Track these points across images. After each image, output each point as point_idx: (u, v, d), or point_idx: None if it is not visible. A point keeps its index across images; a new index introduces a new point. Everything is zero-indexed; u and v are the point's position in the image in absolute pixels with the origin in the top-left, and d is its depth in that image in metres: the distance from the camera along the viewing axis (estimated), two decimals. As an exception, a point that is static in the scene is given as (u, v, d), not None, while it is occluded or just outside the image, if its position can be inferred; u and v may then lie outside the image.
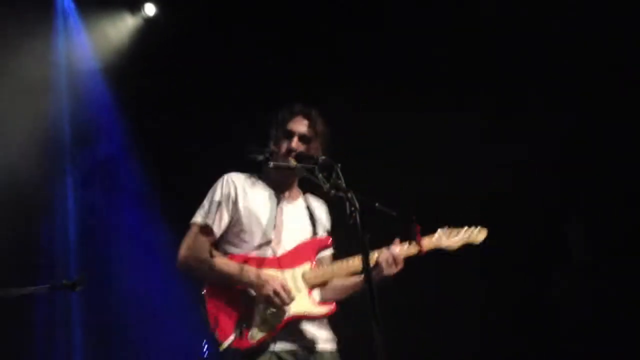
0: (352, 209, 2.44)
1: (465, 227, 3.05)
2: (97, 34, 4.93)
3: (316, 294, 2.95)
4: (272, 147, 2.97)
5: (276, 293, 2.76)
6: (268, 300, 2.77)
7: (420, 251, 2.91)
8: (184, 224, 2.93)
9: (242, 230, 2.91)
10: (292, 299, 2.78)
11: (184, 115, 4.92)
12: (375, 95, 4.72)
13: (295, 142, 2.96)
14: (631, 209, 4.43)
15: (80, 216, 4.73)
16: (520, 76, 4.57)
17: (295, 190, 3.08)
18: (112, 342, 4.57)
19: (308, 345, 2.85)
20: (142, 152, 4.96)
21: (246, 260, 2.86)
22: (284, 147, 2.95)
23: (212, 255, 2.88)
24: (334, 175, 2.59)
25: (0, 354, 4.21)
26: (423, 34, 4.67)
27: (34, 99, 4.63)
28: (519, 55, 4.54)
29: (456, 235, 3.02)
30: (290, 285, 2.83)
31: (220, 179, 2.98)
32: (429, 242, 2.97)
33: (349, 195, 2.47)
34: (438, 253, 2.96)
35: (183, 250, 2.88)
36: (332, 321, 2.94)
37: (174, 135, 4.95)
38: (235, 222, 2.91)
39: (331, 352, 2.92)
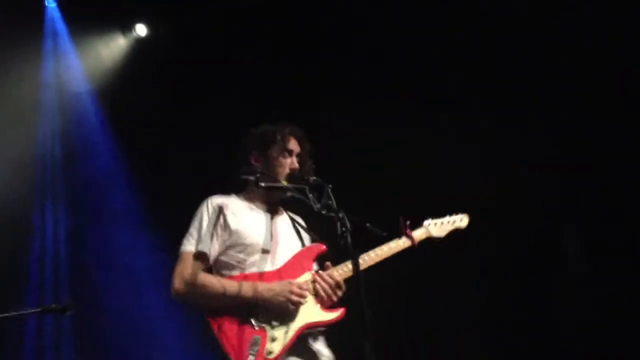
0: (343, 229, 2.45)
1: (448, 215, 3.17)
2: (88, 55, 4.94)
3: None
4: (270, 166, 2.98)
5: (293, 292, 2.76)
6: (284, 306, 2.76)
7: (412, 244, 2.97)
8: (175, 245, 2.91)
9: (237, 251, 2.90)
10: (307, 295, 2.80)
11: (175, 135, 4.91)
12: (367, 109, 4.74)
13: (295, 161, 3.01)
14: (628, 218, 4.45)
15: (69, 238, 4.69)
16: (518, 83, 4.58)
17: (278, 206, 3.09)
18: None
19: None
20: (132, 173, 4.94)
21: (245, 277, 2.85)
22: (287, 165, 2.99)
23: (218, 281, 2.84)
24: (324, 196, 2.62)
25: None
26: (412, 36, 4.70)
27: (23, 121, 4.62)
28: (517, 62, 4.55)
29: (442, 224, 3.14)
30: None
31: (203, 205, 2.96)
32: (419, 234, 3.06)
33: (340, 215, 2.49)
34: (434, 260, 2.96)
35: (177, 281, 2.83)
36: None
37: (164, 155, 4.94)
38: (229, 245, 2.90)
39: None
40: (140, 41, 5.07)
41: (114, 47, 5.01)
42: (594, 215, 4.53)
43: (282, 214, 3.09)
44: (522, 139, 4.63)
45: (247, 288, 2.78)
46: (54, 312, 3.15)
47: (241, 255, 2.88)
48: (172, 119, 4.92)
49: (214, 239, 2.88)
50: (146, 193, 4.92)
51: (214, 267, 2.90)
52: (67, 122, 4.81)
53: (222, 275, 2.89)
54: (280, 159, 3.00)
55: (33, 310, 3.09)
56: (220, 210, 2.93)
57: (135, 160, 4.93)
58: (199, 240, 2.88)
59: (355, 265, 2.48)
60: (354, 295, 2.49)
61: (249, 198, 3.03)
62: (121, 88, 4.94)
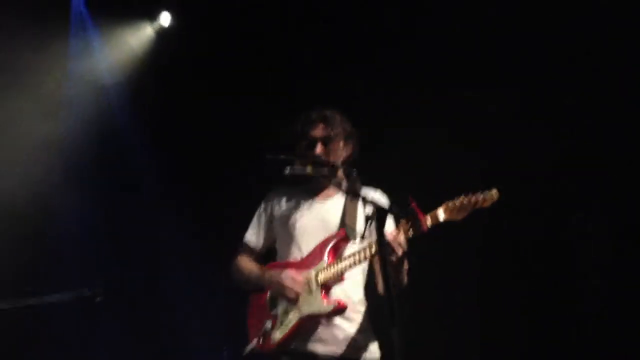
0: (368, 214, 2.45)
1: (471, 195, 2.77)
2: (116, 45, 4.95)
3: (336, 291, 2.89)
4: (293, 156, 2.94)
5: (285, 286, 2.85)
6: (282, 295, 2.86)
7: (422, 228, 2.74)
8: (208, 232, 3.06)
9: (281, 240, 3.05)
10: (297, 292, 2.84)
11: (204, 125, 4.91)
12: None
13: (319, 149, 2.99)
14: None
15: (100, 225, 4.73)
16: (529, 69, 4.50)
17: (332, 190, 3.06)
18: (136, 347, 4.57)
19: (329, 350, 2.84)
20: (160, 160, 4.95)
21: (272, 266, 3.02)
22: (309, 155, 2.98)
23: (250, 268, 3.06)
24: (350, 180, 2.60)
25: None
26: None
27: (51, 113, 4.67)
28: (530, 44, 4.46)
29: (461, 205, 2.77)
30: (306, 286, 2.86)
31: (263, 197, 3.17)
32: (430, 219, 2.77)
33: (365, 199, 2.48)
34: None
35: (231, 267, 3.12)
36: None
37: (194, 145, 4.95)
38: (277, 234, 3.08)
39: None
40: (163, 30, 5.04)
41: (141, 36, 5.01)
42: (616, 199, 4.41)
43: (331, 198, 3.06)
44: (537, 121, 4.53)
45: (259, 276, 2.99)
46: (85, 299, 3.21)
47: (284, 246, 3.02)
48: (203, 110, 4.90)
49: (259, 228, 3.11)
50: (177, 181, 4.93)
51: (275, 254, 3.10)
52: (96, 113, 4.82)
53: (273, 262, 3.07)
54: (304, 150, 3.01)
55: (64, 297, 3.15)
56: (271, 201, 3.10)
57: (166, 151, 4.94)
58: (249, 229, 3.14)
59: (382, 248, 2.45)
60: (381, 281, 2.48)
61: (305, 187, 3.08)
62: (149, 78, 4.95)
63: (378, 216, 2.42)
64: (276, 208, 3.08)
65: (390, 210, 2.62)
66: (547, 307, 4.47)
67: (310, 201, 3.04)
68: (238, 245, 3.14)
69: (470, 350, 4.48)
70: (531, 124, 4.47)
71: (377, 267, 2.92)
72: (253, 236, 3.11)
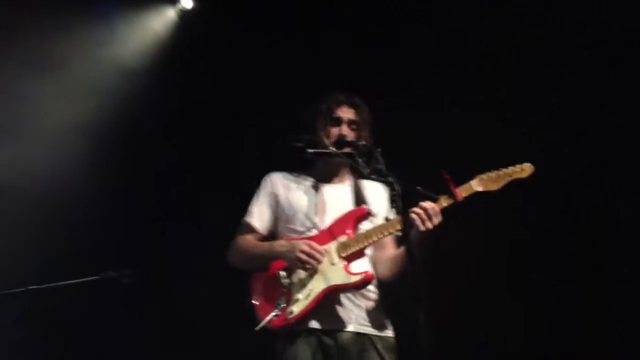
0: (394, 193, 2.43)
1: (509, 167, 2.82)
2: (139, 29, 4.93)
3: (356, 265, 2.88)
4: (319, 135, 2.99)
5: (303, 251, 2.80)
6: (300, 263, 2.81)
7: (455, 199, 2.74)
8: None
9: (286, 221, 3.03)
10: (319, 253, 2.80)
11: (228, 111, 4.90)
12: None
13: (345, 129, 2.99)
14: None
15: (124, 207, 4.75)
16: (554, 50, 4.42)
17: (345, 176, 3.10)
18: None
19: (352, 327, 2.83)
20: (184, 144, 4.95)
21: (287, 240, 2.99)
22: (334, 134, 2.98)
23: (255, 244, 3.05)
24: (373, 160, 2.58)
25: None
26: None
27: (77, 98, 4.69)
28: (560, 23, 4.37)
29: (497, 177, 2.81)
30: (326, 258, 2.83)
31: (262, 180, 3.15)
32: (465, 189, 2.79)
33: (390, 180, 2.46)
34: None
35: (229, 249, 3.11)
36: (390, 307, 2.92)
37: (218, 129, 4.94)
38: (279, 216, 3.07)
39: (383, 339, 2.86)
40: (186, 13, 4.99)
41: (164, 19, 4.98)
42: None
43: (343, 182, 3.08)
44: (570, 100, 4.43)
45: (268, 248, 2.96)
46: (112, 280, 3.24)
47: (290, 225, 3.00)
48: (226, 94, 4.89)
49: (263, 209, 3.08)
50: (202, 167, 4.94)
51: (276, 235, 3.08)
52: (122, 98, 4.83)
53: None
54: (328, 128, 3.00)
55: (91, 278, 3.18)
56: (273, 183, 3.09)
57: (186, 136, 4.93)
58: (250, 212, 3.10)
59: (405, 230, 2.43)
60: (407, 262, 2.46)
61: (308, 172, 3.11)
62: (173, 62, 4.93)
63: (404, 196, 2.41)
64: (280, 190, 3.07)
65: (418, 192, 2.61)
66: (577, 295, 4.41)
67: (318, 184, 3.06)
68: (237, 228, 3.11)
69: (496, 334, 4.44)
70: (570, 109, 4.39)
71: (378, 251, 2.95)
72: (257, 218, 3.07)
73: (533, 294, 4.44)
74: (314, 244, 2.84)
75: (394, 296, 2.92)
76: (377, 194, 3.07)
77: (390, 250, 2.98)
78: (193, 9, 5.00)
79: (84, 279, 3.19)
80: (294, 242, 2.89)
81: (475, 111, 4.48)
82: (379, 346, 2.83)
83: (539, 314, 4.43)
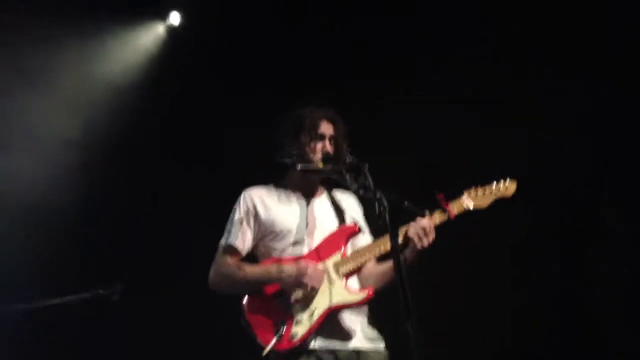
0: (382, 208, 2.44)
1: (494, 183, 2.95)
2: (129, 46, 4.95)
3: (353, 283, 2.93)
4: (302, 151, 2.99)
5: (309, 276, 2.77)
6: (298, 286, 2.79)
7: (449, 217, 2.83)
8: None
9: (270, 240, 2.97)
10: (320, 280, 2.79)
11: (219, 123, 4.90)
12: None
13: (327, 145, 3.00)
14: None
15: (115, 224, 4.75)
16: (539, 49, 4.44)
17: (320, 189, 3.11)
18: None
19: (351, 345, 2.84)
20: (178, 159, 4.96)
21: (279, 261, 2.92)
22: (318, 150, 2.98)
23: (240, 269, 2.94)
24: (361, 176, 2.59)
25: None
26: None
27: (68, 113, 4.70)
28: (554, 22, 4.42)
29: (484, 193, 2.93)
30: (325, 277, 2.84)
31: (239, 198, 3.05)
32: (457, 206, 2.89)
33: (378, 195, 2.47)
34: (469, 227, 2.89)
35: (211, 272, 3.00)
36: (378, 320, 2.94)
37: (207, 142, 4.95)
38: (262, 235, 2.98)
39: (377, 352, 2.88)
40: (173, 30, 5.03)
41: (153, 36, 5.00)
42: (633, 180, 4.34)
43: (321, 195, 3.09)
44: (556, 103, 4.46)
45: (266, 272, 2.86)
46: (101, 298, 3.23)
47: (276, 244, 2.95)
48: (217, 108, 4.89)
49: (245, 229, 2.97)
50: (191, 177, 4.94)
51: (253, 257, 3.00)
52: (113, 113, 4.83)
53: (261, 261, 2.98)
54: (312, 144, 2.99)
55: (80, 297, 3.17)
56: (252, 201, 3.01)
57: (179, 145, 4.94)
58: (229, 233, 2.98)
59: (395, 245, 2.44)
60: (395, 275, 2.47)
61: (286, 185, 3.07)
62: (163, 77, 4.95)
63: (391, 212, 2.42)
64: (260, 207, 2.98)
65: (405, 207, 2.61)
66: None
67: (299, 198, 3.03)
68: (216, 251, 3.00)
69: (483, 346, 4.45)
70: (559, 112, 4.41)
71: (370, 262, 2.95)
72: (240, 239, 2.95)
73: (519, 299, 4.45)
74: (317, 266, 2.82)
75: (387, 309, 2.93)
76: (352, 206, 3.10)
77: (373, 263, 2.98)
78: (181, 25, 5.03)
79: (73, 297, 3.18)
80: (290, 265, 2.84)
81: (464, 112, 4.51)
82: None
83: (526, 318, 4.44)
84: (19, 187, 4.39)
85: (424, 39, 4.71)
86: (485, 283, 4.45)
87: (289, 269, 2.82)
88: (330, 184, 3.09)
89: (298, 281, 2.79)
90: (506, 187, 2.95)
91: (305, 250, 2.92)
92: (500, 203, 2.94)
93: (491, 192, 2.93)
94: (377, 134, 4.39)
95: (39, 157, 4.54)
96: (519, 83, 4.49)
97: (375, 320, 2.97)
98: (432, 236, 2.79)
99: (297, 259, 2.90)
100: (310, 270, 2.79)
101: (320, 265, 2.85)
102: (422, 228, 2.77)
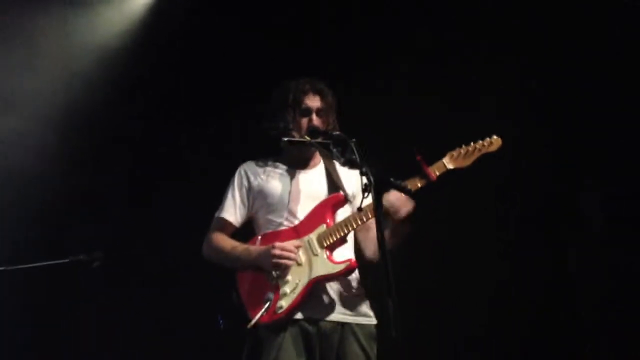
0: (367, 183, 2.44)
1: (478, 142, 2.94)
2: (116, 9, 4.85)
3: (339, 253, 2.93)
4: (289, 125, 3.00)
5: (276, 256, 2.83)
6: (277, 269, 2.85)
7: (429, 179, 2.85)
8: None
9: (264, 212, 3.02)
10: (291, 253, 2.84)
11: (207, 95, 4.85)
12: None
13: (314, 118, 3.00)
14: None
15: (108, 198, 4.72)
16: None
17: (316, 160, 3.12)
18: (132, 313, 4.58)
19: (334, 316, 2.88)
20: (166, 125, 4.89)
21: (263, 236, 2.98)
22: (304, 125, 2.99)
23: (232, 246, 3.02)
24: (348, 150, 2.59)
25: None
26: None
27: (54, 81, 4.62)
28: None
29: (467, 152, 2.93)
30: (307, 250, 2.88)
31: (235, 172, 3.13)
32: (438, 167, 2.90)
33: (363, 170, 2.47)
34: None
35: (204, 245, 3.10)
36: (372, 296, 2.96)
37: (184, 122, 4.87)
38: (256, 209, 3.05)
39: (362, 326, 2.91)
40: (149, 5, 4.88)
41: (126, 11, 4.89)
42: (614, 168, 4.38)
43: (315, 167, 3.10)
44: (539, 92, 4.48)
45: (245, 253, 2.95)
46: (82, 264, 3.22)
47: (269, 216, 3.01)
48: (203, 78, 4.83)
49: (238, 204, 3.06)
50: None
51: (254, 228, 3.08)
52: (100, 79, 4.75)
53: (257, 234, 3.04)
54: (297, 119, 3.00)
55: (60, 261, 3.16)
56: (246, 176, 3.07)
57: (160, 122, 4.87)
58: (223, 206, 3.08)
59: (378, 220, 2.44)
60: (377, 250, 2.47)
61: (281, 159, 3.10)
62: (149, 43, 4.86)
63: (376, 186, 2.42)
64: (254, 181, 3.05)
65: (390, 182, 2.61)
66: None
67: (292, 171, 3.06)
68: (211, 222, 3.11)
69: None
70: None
71: (362, 233, 3.00)
72: (231, 212, 3.06)
73: (497, 286, 4.48)
74: (284, 244, 2.86)
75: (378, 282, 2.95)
76: (352, 177, 3.07)
77: (375, 231, 3.00)
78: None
79: (54, 262, 3.16)
80: (266, 248, 2.90)
81: (447, 97, 4.51)
82: (359, 334, 2.89)
83: (505, 295, 4.48)
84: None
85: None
86: (467, 259, 4.50)
87: (264, 251, 2.88)
88: (328, 157, 3.08)
89: (270, 262, 2.85)
90: (490, 141, 2.95)
91: (296, 222, 2.96)
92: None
93: (474, 150, 2.93)
94: (364, 108, 4.36)
95: (19, 119, 4.47)
96: (494, 67, 4.49)
97: (368, 294, 2.99)
98: (406, 208, 2.83)
99: (281, 233, 2.94)
100: (278, 252, 2.83)
101: (296, 241, 2.89)
102: (396, 198, 2.81)
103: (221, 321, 4.09)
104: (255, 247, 2.94)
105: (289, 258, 2.83)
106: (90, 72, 4.74)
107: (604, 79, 4.35)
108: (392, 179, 2.59)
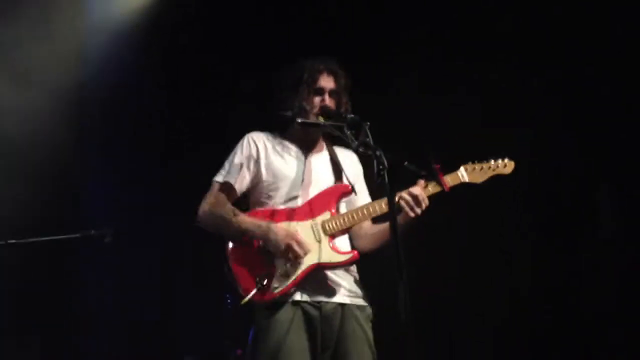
0: (380, 167, 2.41)
1: (492, 160, 2.98)
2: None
3: (343, 242, 2.93)
4: (302, 104, 2.95)
5: (289, 247, 2.78)
6: (283, 256, 2.79)
7: (443, 189, 2.87)
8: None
9: (266, 188, 2.95)
10: (307, 252, 2.79)
11: (215, 74, 4.84)
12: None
13: (327, 99, 2.96)
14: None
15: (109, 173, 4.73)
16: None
17: (320, 143, 3.09)
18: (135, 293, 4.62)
19: (336, 299, 2.86)
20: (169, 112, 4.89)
21: (273, 212, 2.90)
22: (316, 104, 2.95)
23: (234, 214, 2.89)
24: (362, 133, 2.57)
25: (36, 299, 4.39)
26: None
27: (66, 61, 4.62)
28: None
29: (481, 169, 2.97)
30: (310, 234, 2.85)
31: (242, 139, 3.01)
32: (452, 178, 2.92)
33: (377, 153, 2.44)
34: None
35: (203, 206, 2.93)
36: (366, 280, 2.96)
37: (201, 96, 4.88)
38: (258, 181, 2.96)
39: (361, 307, 2.91)
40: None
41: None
42: (629, 171, 4.36)
43: (320, 151, 3.07)
44: (558, 92, 4.44)
45: (254, 225, 2.83)
46: (93, 239, 3.23)
47: (270, 192, 2.94)
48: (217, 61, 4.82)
49: (244, 171, 2.94)
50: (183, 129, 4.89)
51: (245, 201, 2.97)
52: (111, 61, 4.73)
53: (254, 208, 2.95)
54: (310, 97, 2.96)
55: (72, 236, 3.17)
56: (255, 145, 2.98)
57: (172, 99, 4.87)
58: (228, 171, 2.95)
59: (392, 204, 2.43)
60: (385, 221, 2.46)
61: (287, 137, 3.04)
62: (161, 22, 4.84)
63: (390, 173, 2.40)
64: (262, 153, 2.97)
65: (407, 167, 2.60)
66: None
67: (300, 153, 3.01)
68: (211, 184, 2.96)
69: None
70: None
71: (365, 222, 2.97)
72: (237, 179, 2.92)
73: (512, 282, 4.49)
74: (304, 242, 2.79)
75: (373, 269, 2.95)
76: (352, 164, 3.08)
77: (368, 224, 2.99)
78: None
79: (65, 236, 3.17)
80: (280, 228, 2.81)
81: (466, 97, 4.50)
82: (359, 316, 2.89)
83: (518, 303, 4.51)
84: (5, 122, 4.34)
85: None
86: (481, 260, 4.52)
87: (279, 231, 2.79)
88: (332, 140, 3.06)
89: (284, 246, 2.77)
90: (505, 164, 2.99)
91: (299, 203, 2.91)
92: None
93: (489, 168, 2.96)
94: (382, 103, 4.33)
95: (34, 91, 4.46)
96: (515, 70, 4.46)
97: (361, 280, 2.98)
98: (424, 205, 2.80)
99: (290, 212, 2.89)
100: (296, 247, 2.76)
101: (306, 221, 2.85)
102: (414, 197, 2.79)
103: (229, 300, 4.13)
104: (268, 224, 2.81)
105: (297, 255, 2.77)
106: (104, 47, 4.73)
107: (622, 85, 4.33)
108: (406, 164, 2.59)
